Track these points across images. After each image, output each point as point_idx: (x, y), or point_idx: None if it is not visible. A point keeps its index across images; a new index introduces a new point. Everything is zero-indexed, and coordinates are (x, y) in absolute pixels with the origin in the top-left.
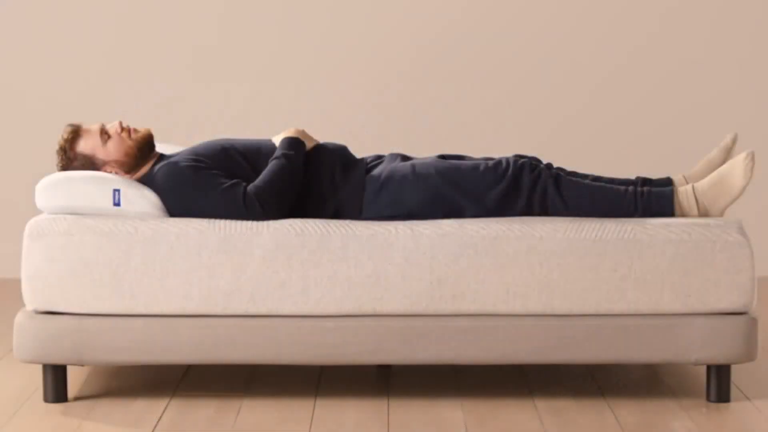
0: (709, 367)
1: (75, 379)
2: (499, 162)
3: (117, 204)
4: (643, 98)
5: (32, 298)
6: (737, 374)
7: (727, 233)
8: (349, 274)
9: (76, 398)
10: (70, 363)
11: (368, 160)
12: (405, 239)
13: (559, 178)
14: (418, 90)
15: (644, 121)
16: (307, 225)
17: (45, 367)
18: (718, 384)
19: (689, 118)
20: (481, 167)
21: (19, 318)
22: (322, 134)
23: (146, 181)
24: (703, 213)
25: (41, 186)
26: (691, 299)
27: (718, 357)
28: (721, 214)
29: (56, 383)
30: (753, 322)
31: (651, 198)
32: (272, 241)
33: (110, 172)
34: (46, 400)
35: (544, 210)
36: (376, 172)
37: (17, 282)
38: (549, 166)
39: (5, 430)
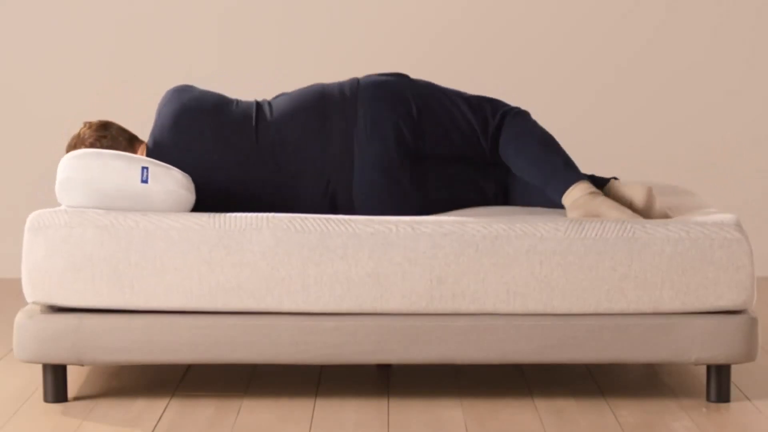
0: (709, 367)
1: (75, 379)
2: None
3: (144, 181)
4: (647, 100)
5: (32, 292)
6: (737, 374)
7: (725, 231)
8: (349, 272)
9: (76, 398)
10: (70, 363)
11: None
12: (405, 238)
13: (516, 116)
14: None
15: (647, 123)
16: (307, 222)
17: (45, 367)
18: (718, 384)
19: (693, 120)
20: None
21: (19, 318)
22: None
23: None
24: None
25: (69, 156)
26: (690, 297)
27: (718, 357)
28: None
29: (56, 383)
30: (753, 322)
31: (565, 174)
32: (272, 237)
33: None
34: (46, 400)
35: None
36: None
37: (17, 282)
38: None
39: (5, 430)
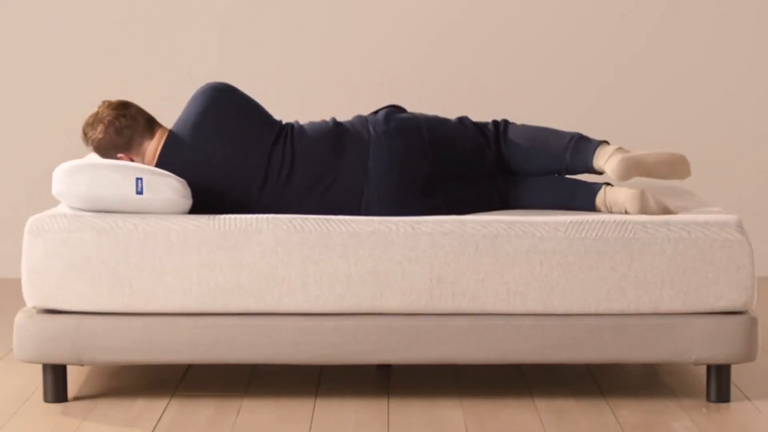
0: (709, 367)
1: (75, 379)
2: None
3: (140, 192)
4: (646, 100)
5: (32, 294)
6: (737, 374)
7: (726, 231)
8: (349, 270)
9: (76, 398)
10: (70, 363)
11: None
12: (405, 237)
13: (507, 124)
14: (420, 92)
15: (647, 123)
16: (307, 222)
17: (45, 367)
18: (718, 384)
19: (693, 120)
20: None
21: (19, 318)
22: None
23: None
24: (612, 170)
25: (61, 171)
26: (690, 297)
27: (718, 357)
28: (621, 177)
29: (56, 383)
30: (753, 322)
31: (581, 143)
32: (272, 237)
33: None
34: (46, 400)
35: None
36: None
37: (17, 282)
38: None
39: (5, 430)
